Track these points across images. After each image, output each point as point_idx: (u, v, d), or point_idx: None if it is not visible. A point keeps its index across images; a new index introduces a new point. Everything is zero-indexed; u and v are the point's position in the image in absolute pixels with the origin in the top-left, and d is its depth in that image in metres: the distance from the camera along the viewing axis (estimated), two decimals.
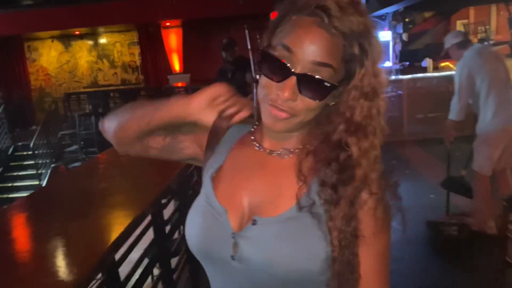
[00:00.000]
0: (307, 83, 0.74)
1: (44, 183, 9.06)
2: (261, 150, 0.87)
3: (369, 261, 0.79)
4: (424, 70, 7.08)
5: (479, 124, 3.50)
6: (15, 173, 9.60)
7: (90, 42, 12.59)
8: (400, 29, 7.83)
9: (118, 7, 10.64)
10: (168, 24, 11.52)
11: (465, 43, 3.57)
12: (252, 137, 0.89)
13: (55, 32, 11.97)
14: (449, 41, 3.61)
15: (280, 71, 0.75)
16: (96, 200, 2.08)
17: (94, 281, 1.58)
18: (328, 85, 0.74)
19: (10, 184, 9.40)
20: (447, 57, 3.96)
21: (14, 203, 2.43)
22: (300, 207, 0.78)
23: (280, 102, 0.75)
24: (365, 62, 0.75)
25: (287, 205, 0.79)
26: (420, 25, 9.30)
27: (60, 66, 12.69)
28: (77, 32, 12.17)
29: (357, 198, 0.77)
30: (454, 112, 3.52)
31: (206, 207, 0.86)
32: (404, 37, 7.91)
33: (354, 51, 0.74)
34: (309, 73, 0.73)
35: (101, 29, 12.18)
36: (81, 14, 10.67)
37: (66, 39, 12.49)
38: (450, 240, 3.44)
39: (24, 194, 9.14)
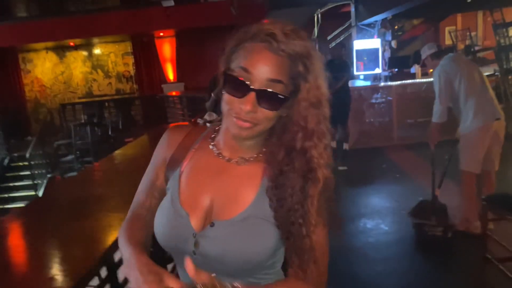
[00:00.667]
0: (264, 97, 0.88)
1: (40, 193, 9.11)
2: (220, 157, 1.00)
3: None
4: (413, 76, 7.23)
5: (462, 125, 3.69)
6: (11, 184, 9.64)
7: (85, 53, 12.70)
8: (389, 37, 7.99)
9: (112, 18, 10.77)
10: (161, 34, 11.64)
11: (438, 53, 3.88)
12: (212, 143, 1.02)
13: (50, 44, 12.08)
14: (425, 52, 3.94)
15: (241, 88, 0.89)
16: (93, 205, 2.16)
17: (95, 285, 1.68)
18: (281, 97, 0.89)
19: (6, 195, 9.43)
20: (424, 66, 4.23)
21: (13, 211, 2.51)
22: (251, 210, 0.94)
23: (243, 114, 0.89)
24: (308, 77, 0.91)
25: (240, 208, 0.94)
26: (409, 32, 9.48)
27: (55, 77, 12.78)
28: (71, 43, 12.28)
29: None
30: (437, 115, 3.74)
31: (170, 209, 0.98)
32: (393, 44, 8.07)
33: (299, 69, 0.90)
34: (264, 88, 0.88)
35: (95, 40, 12.29)
36: (76, 25, 10.77)
37: (60, 50, 12.59)
38: (435, 241, 3.56)
39: (20, 204, 9.17)
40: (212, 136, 1.04)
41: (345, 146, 6.12)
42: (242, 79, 0.89)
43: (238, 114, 0.90)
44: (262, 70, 0.88)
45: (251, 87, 0.88)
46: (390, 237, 3.86)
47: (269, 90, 0.88)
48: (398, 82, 7.11)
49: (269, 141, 0.98)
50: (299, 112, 0.92)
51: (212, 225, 0.95)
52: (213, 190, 0.98)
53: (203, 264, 0.94)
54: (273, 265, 0.98)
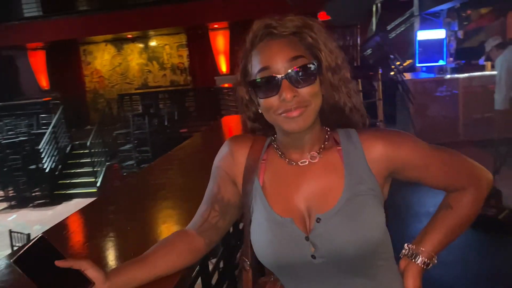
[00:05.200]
0: (296, 77, 0.88)
1: (99, 180, 9.49)
2: (293, 164, 0.97)
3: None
4: (482, 68, 6.82)
5: None
6: (73, 171, 10.12)
7: (141, 45, 13.05)
8: (455, 27, 7.58)
9: (168, 11, 10.96)
10: (216, 26, 11.72)
11: (503, 44, 3.99)
12: (280, 153, 0.99)
13: (109, 36, 12.50)
14: (490, 44, 4.05)
15: (272, 86, 0.88)
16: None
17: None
18: (309, 66, 0.89)
19: (68, 181, 9.92)
20: (488, 59, 4.37)
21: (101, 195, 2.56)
22: (348, 192, 0.91)
23: (289, 105, 0.87)
24: (320, 45, 0.92)
25: (337, 194, 0.92)
26: (475, 22, 8.95)
27: (112, 68, 13.23)
28: (129, 36, 12.64)
29: None
30: (498, 103, 3.93)
31: (270, 224, 0.94)
32: (460, 34, 7.65)
33: (308, 40, 0.92)
34: (290, 69, 0.88)
35: (151, 32, 12.59)
36: (133, 18, 11.07)
37: (118, 43, 13.01)
38: (486, 220, 3.57)
39: (81, 190, 9.61)
40: (275, 146, 1.01)
41: None
42: (267, 75, 0.88)
43: (285, 108, 0.88)
44: (278, 58, 0.88)
45: (278, 76, 0.87)
46: None
47: (295, 67, 0.87)
48: (465, 75, 6.74)
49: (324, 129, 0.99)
50: (330, 82, 0.93)
51: (318, 220, 0.91)
52: (302, 192, 0.95)
53: (326, 266, 0.90)
54: (387, 250, 0.97)
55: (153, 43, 13.01)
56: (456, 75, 6.80)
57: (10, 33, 11.12)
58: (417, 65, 7.60)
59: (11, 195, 9.52)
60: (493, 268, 3.26)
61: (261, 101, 0.91)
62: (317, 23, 0.94)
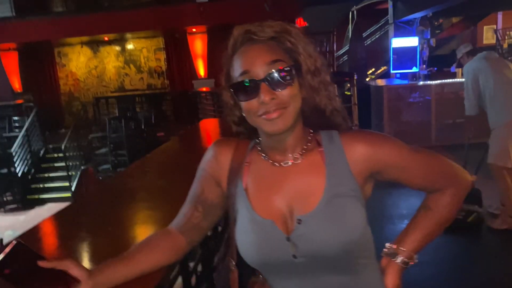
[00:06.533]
0: (274, 79, 0.90)
1: (74, 184, 9.31)
2: (276, 165, 0.99)
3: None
4: (454, 75, 7.04)
5: (491, 121, 3.80)
6: (47, 175, 9.89)
7: (118, 48, 12.89)
8: (427, 35, 7.80)
9: (146, 13, 10.88)
10: (194, 30, 11.70)
11: (474, 51, 4.06)
12: (263, 155, 1.01)
13: (84, 38, 12.29)
14: (461, 51, 4.11)
15: (251, 88, 0.91)
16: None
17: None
18: (287, 68, 0.92)
19: (41, 185, 9.69)
20: (459, 66, 4.49)
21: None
22: (329, 193, 0.94)
23: (267, 107, 0.90)
24: (299, 49, 0.95)
25: (318, 196, 0.94)
26: (447, 30, 9.25)
27: (88, 71, 13.02)
28: (105, 38, 12.48)
29: None
30: (467, 109, 3.97)
31: (252, 225, 0.97)
32: (432, 42, 7.88)
33: (287, 45, 0.94)
34: (269, 72, 0.90)
35: (128, 35, 12.46)
36: (110, 20, 10.93)
37: (94, 45, 12.81)
38: (456, 224, 3.70)
39: (55, 195, 9.41)
40: (259, 148, 1.03)
41: None
42: (247, 79, 0.92)
43: (264, 110, 0.90)
44: (258, 62, 0.91)
45: (257, 80, 0.90)
46: None
47: (273, 70, 0.90)
48: (438, 81, 6.94)
49: (306, 130, 1.01)
50: (310, 85, 0.95)
51: (299, 222, 0.93)
52: (284, 194, 0.97)
53: (307, 265, 0.94)
54: (368, 248, 0.98)
55: (130, 46, 12.88)
56: (429, 82, 7.01)
57: None
58: (392, 71, 7.79)
59: None
60: (461, 268, 3.42)
61: (242, 104, 0.94)
62: (296, 28, 0.97)
